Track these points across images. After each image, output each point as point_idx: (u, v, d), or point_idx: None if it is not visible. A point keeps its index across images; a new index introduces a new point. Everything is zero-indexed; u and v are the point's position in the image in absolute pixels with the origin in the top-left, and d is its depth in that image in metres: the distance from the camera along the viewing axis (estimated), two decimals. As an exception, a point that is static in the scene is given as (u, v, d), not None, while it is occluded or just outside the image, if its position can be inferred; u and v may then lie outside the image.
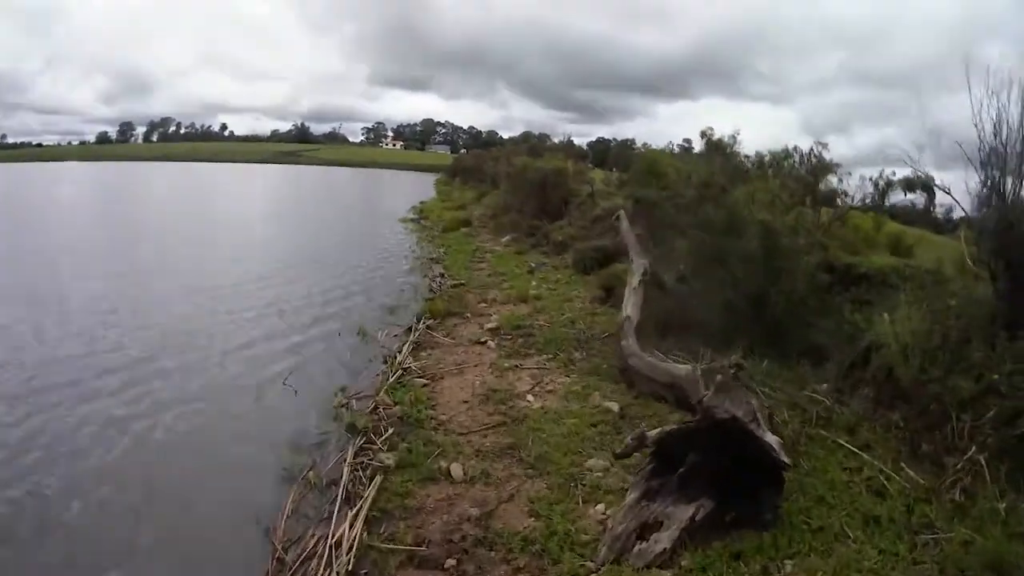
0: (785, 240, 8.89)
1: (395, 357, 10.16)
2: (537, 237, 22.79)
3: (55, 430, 7.71)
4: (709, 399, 5.24)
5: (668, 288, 10.94)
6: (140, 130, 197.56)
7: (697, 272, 9.89)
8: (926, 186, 13.44)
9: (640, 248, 11.72)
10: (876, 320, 8.17)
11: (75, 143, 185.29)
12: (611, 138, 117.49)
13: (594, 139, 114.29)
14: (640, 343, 8.87)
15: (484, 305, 13.71)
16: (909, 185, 13.06)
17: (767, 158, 11.90)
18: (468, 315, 12.79)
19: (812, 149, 11.91)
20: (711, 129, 15.64)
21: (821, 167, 11.31)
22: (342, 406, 8.38)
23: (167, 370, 9.76)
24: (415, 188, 61.35)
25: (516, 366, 9.63)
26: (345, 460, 6.76)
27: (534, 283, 15.88)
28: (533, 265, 18.54)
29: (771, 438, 5.09)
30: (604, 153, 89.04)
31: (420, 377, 9.24)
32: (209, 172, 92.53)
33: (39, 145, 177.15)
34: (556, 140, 50.73)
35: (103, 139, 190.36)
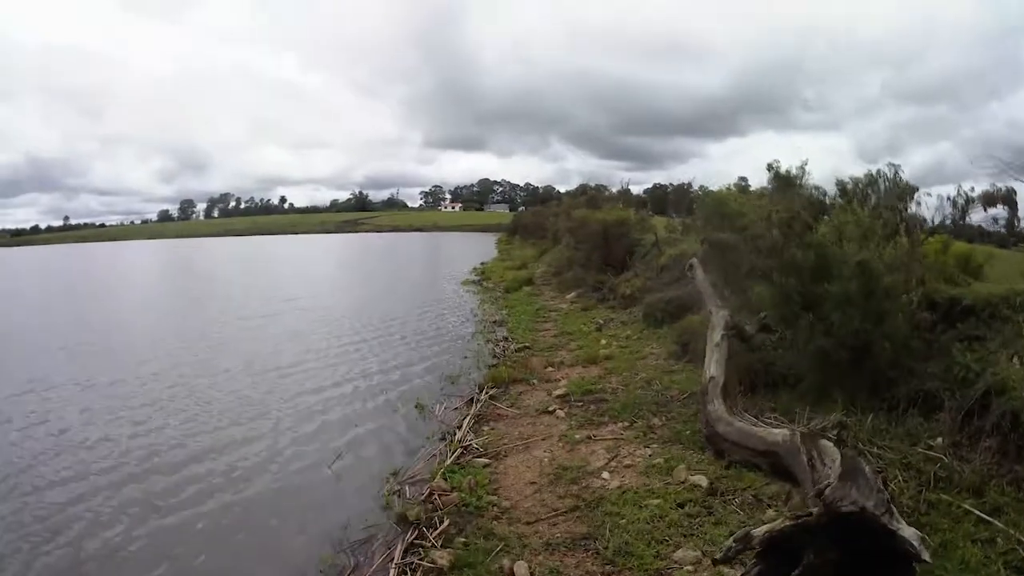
0: (888, 278, 7.80)
1: (454, 434, 9.35)
2: (603, 292, 21.90)
3: (95, 515, 7.41)
4: (833, 491, 4.24)
5: (750, 339, 9.88)
6: (200, 206, 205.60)
7: (784, 321, 8.80)
8: (1008, 199, 12.43)
9: (718, 298, 10.69)
10: (991, 360, 7.10)
11: (137, 222, 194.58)
12: (667, 183, 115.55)
13: (651, 186, 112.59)
14: (727, 404, 7.85)
15: (551, 369, 12.81)
16: (989, 200, 12.10)
17: (850, 186, 10.81)
18: (534, 381, 11.90)
19: (896, 172, 10.89)
20: (777, 162, 14.61)
21: (908, 189, 10.20)
22: (393, 493, 7.58)
23: (221, 461, 9.09)
24: (476, 249, 61.23)
25: (589, 437, 8.67)
26: (392, 560, 5.93)
27: (603, 341, 14.96)
28: (601, 322, 17.63)
29: (908, 532, 4.07)
30: (662, 199, 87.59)
31: (481, 456, 8.36)
32: (272, 245, 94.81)
33: (102, 225, 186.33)
34: (614, 190, 49.75)
35: (165, 217, 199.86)
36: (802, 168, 14.03)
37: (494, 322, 19.91)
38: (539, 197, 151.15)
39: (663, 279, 19.49)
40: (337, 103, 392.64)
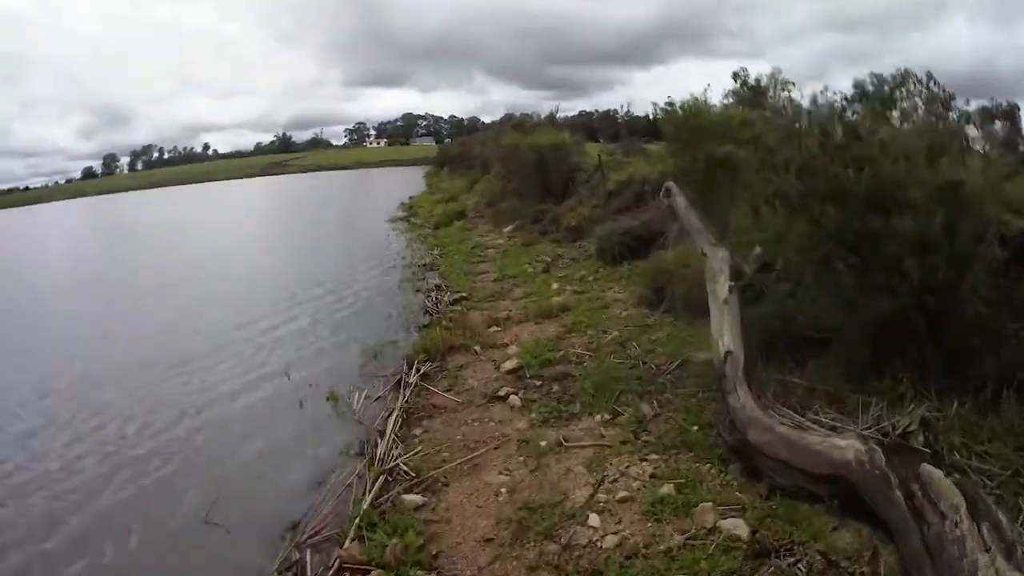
0: (989, 209, 5.42)
1: (376, 444, 6.83)
2: (544, 223, 19.47)
3: None
4: None
5: (756, 283, 7.49)
6: (124, 160, 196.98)
7: (817, 266, 6.36)
8: (1010, 115, 11.36)
9: (708, 233, 8.17)
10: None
11: (61, 182, 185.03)
12: (592, 110, 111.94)
13: (576, 113, 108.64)
14: (754, 393, 5.48)
15: (496, 329, 10.29)
16: (988, 115, 10.66)
17: (870, 88, 8.44)
18: (476, 348, 9.40)
19: (929, 75, 8.73)
20: (744, 70, 12.25)
21: (945, 98, 7.92)
22: (288, 568, 5.04)
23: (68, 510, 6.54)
24: (404, 184, 57.55)
25: (559, 443, 6.18)
26: None
27: (555, 286, 12.51)
28: (548, 260, 15.18)
29: None
30: (589, 126, 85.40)
31: (412, 486, 5.85)
32: (194, 194, 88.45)
33: (26, 188, 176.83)
34: (542, 116, 46.97)
35: (88, 174, 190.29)
36: (774, 78, 11.74)
37: (423, 266, 17.35)
38: (465, 128, 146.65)
39: (613, 206, 17.17)
40: (259, 50, 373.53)
